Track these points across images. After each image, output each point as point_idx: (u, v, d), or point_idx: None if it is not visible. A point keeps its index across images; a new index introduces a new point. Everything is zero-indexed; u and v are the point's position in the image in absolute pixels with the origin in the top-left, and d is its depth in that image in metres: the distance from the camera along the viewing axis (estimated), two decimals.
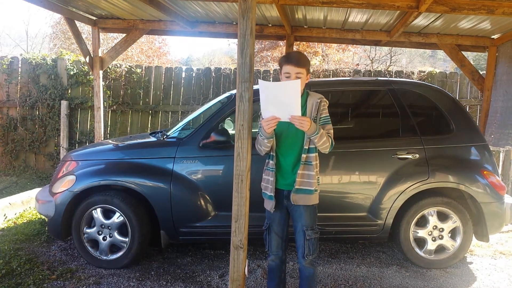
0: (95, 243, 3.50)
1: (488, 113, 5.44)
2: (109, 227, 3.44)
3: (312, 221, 2.52)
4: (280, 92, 2.32)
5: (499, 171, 6.33)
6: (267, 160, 2.59)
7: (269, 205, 2.55)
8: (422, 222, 3.63)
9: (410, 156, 3.55)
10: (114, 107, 7.16)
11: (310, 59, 10.43)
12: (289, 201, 2.52)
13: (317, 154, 2.50)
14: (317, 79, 4.28)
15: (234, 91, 3.72)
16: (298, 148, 2.50)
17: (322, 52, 11.56)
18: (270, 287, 2.72)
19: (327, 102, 2.55)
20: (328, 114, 2.52)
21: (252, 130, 2.68)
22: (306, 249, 2.50)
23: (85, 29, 12.09)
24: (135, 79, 7.22)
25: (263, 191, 2.60)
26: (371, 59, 12.25)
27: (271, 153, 2.54)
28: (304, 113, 2.47)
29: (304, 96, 2.52)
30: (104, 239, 3.46)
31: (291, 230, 2.63)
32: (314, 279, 2.59)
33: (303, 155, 2.46)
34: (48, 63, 7.03)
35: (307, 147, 2.46)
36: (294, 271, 3.52)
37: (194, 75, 7.33)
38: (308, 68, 2.50)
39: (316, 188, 2.50)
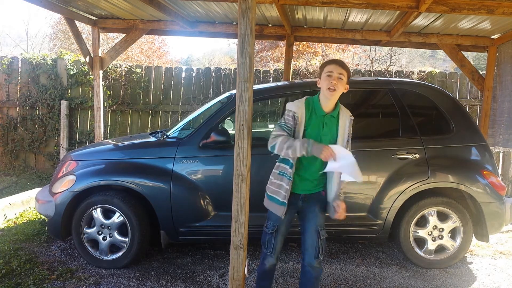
0: (95, 243, 3.50)
1: (489, 113, 5.43)
2: (109, 227, 3.44)
3: (324, 222, 2.54)
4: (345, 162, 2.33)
5: (499, 171, 6.33)
6: (281, 164, 2.50)
7: (280, 211, 2.45)
8: (422, 222, 3.63)
9: (410, 156, 3.55)
10: (114, 107, 7.16)
11: (309, 59, 10.47)
12: (305, 203, 2.52)
13: None
14: (317, 79, 4.28)
15: (234, 91, 3.72)
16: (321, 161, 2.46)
17: (322, 52, 11.56)
18: (264, 286, 2.67)
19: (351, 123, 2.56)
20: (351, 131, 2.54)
21: (252, 130, 2.68)
22: (320, 249, 2.46)
23: (85, 29, 12.09)
24: (135, 79, 7.22)
25: (273, 195, 2.49)
26: (371, 59, 12.25)
27: (291, 161, 2.43)
28: (336, 127, 2.47)
29: (337, 108, 2.49)
30: (104, 239, 3.46)
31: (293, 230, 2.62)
32: (320, 278, 2.58)
33: None
34: (48, 63, 7.03)
35: None
36: (294, 271, 3.52)
37: (194, 75, 7.33)
38: (349, 77, 2.47)
39: None
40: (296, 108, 2.44)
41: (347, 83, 2.45)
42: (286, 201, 2.43)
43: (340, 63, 2.44)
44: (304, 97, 2.52)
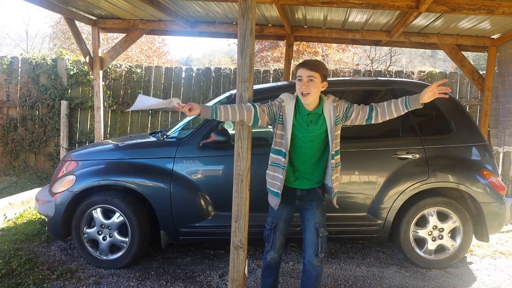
0: (95, 243, 3.49)
1: (489, 113, 5.43)
2: (109, 227, 3.44)
3: (324, 219, 2.55)
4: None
5: (499, 171, 6.33)
6: (273, 155, 2.51)
7: (275, 201, 2.50)
8: (422, 222, 3.63)
9: (410, 156, 3.55)
10: (114, 107, 7.16)
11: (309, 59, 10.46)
12: (302, 201, 2.54)
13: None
14: None
15: (234, 91, 3.72)
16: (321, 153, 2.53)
17: (322, 52, 11.57)
18: (267, 283, 2.68)
19: (341, 101, 2.54)
20: (347, 103, 2.51)
21: (252, 130, 2.68)
22: (319, 247, 2.47)
23: (85, 29, 12.09)
24: (135, 79, 7.22)
25: (269, 187, 2.54)
26: (371, 59, 12.25)
27: (283, 151, 2.46)
28: (323, 120, 2.46)
29: (321, 104, 2.47)
30: (104, 239, 3.46)
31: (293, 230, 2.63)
32: (321, 278, 2.58)
33: (332, 161, 2.49)
34: (48, 63, 7.03)
35: (333, 152, 2.49)
36: (294, 271, 3.52)
37: (194, 75, 7.33)
38: (324, 74, 2.43)
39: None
40: (285, 98, 2.50)
41: (324, 80, 2.44)
42: (279, 192, 2.46)
43: (308, 65, 2.40)
44: (296, 93, 2.51)
